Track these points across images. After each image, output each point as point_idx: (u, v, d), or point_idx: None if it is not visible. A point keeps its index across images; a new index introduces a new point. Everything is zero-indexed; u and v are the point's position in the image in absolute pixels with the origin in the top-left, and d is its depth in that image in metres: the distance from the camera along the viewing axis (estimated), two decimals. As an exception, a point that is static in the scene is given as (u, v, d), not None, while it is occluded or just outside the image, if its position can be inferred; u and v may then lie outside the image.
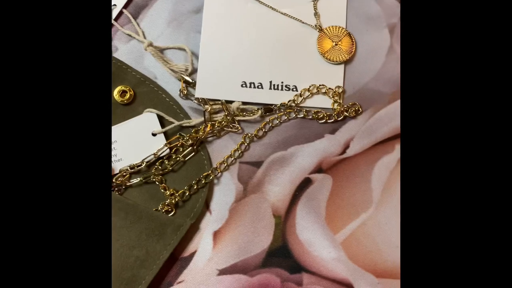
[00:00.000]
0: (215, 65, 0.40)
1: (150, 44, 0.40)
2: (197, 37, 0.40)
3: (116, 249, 0.35)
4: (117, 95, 0.38)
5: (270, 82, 0.39)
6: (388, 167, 0.38)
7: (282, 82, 0.39)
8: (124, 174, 0.37)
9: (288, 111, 0.39)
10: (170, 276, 0.37)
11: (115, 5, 0.41)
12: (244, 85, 0.39)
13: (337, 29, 0.40)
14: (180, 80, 0.39)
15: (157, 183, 0.37)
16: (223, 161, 0.38)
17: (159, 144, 0.38)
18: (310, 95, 0.39)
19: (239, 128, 0.39)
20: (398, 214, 0.37)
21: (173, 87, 0.40)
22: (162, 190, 0.37)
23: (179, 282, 0.37)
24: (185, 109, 0.39)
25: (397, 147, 0.38)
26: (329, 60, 0.39)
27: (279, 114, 0.39)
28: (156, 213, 0.36)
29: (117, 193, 0.37)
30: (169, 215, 0.37)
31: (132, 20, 0.41)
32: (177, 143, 0.38)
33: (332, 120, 0.39)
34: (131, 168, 0.37)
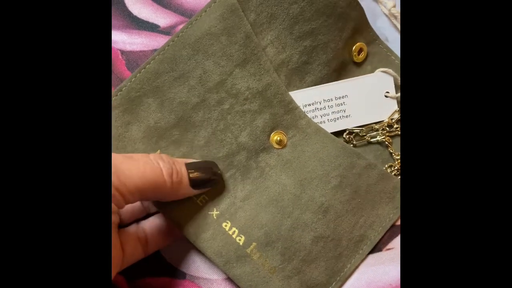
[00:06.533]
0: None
1: (394, 6, 0.39)
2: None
3: (350, 208, 0.34)
4: (354, 52, 0.38)
5: None
6: None
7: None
8: (350, 133, 0.37)
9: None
10: (380, 241, 0.36)
11: None
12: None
13: None
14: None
15: (386, 143, 0.37)
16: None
17: (388, 106, 0.38)
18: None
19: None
20: None
21: (404, 53, 0.39)
22: (391, 151, 0.37)
23: (388, 249, 0.36)
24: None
25: None
26: None
27: None
28: (391, 175, 0.36)
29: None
30: (397, 179, 0.36)
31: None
32: (407, 108, 0.37)
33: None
34: (359, 130, 0.37)
